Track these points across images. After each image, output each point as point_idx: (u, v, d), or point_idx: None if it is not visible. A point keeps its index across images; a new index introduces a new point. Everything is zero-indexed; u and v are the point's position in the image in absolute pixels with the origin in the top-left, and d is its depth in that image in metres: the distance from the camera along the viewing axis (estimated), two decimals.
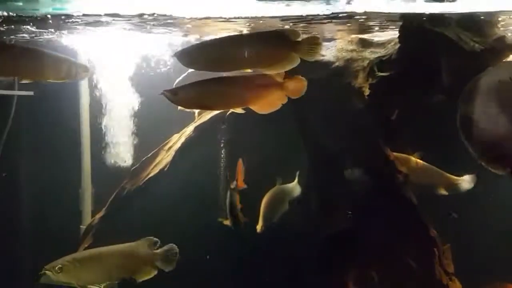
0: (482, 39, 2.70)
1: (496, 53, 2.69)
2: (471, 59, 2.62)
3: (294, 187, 3.68)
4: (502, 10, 2.81)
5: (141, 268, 2.85)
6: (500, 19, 2.85)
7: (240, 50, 2.75)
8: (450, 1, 2.52)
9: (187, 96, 2.74)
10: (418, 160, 3.37)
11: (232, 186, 3.34)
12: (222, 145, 3.86)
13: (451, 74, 2.68)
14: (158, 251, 2.88)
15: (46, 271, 2.72)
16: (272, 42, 2.76)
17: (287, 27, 3.16)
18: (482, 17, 2.78)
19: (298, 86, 2.76)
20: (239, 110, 2.85)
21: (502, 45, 2.70)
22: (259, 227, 3.50)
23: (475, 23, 2.75)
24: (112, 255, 2.86)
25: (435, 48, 2.68)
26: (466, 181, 3.33)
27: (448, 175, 3.36)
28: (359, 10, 2.80)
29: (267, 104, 2.77)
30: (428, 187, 3.31)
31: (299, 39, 2.72)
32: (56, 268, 2.71)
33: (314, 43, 2.75)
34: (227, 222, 3.35)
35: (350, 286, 3.20)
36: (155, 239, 2.90)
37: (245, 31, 3.24)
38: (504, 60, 2.87)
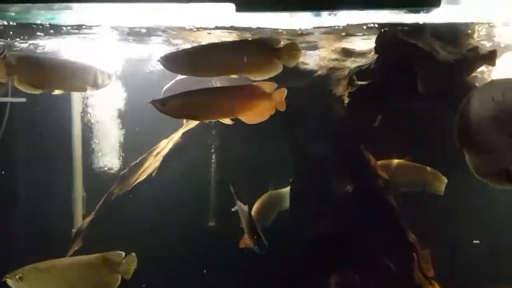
0: (455, 49, 2.78)
1: (469, 63, 2.77)
2: (444, 69, 2.70)
3: (286, 193, 3.65)
4: (477, 22, 2.90)
5: (104, 280, 2.79)
6: (475, 30, 2.93)
7: (223, 57, 2.84)
8: (425, 12, 2.59)
9: (175, 106, 2.78)
10: (401, 161, 3.41)
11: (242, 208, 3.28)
12: (212, 151, 3.95)
13: (425, 83, 2.75)
14: (123, 262, 2.81)
15: (7, 279, 2.67)
16: (254, 49, 2.85)
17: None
18: (457, 28, 2.86)
19: (281, 97, 2.78)
20: (227, 121, 2.87)
21: (475, 55, 2.78)
22: None
23: (449, 34, 2.83)
24: (75, 266, 2.82)
25: (409, 58, 2.76)
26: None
27: (435, 170, 3.37)
28: (342, 22, 2.90)
29: (256, 114, 2.82)
30: (417, 185, 3.35)
31: (280, 45, 2.82)
32: (17, 276, 2.67)
33: (294, 49, 2.85)
34: (245, 243, 3.31)
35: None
36: (121, 252, 2.82)
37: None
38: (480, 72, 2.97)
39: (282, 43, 2.83)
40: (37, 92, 3.13)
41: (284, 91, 2.80)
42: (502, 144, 2.37)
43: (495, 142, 2.39)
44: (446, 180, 3.36)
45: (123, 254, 2.83)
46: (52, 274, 2.75)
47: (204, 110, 2.86)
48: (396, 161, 3.42)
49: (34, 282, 2.71)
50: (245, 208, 3.26)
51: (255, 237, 3.13)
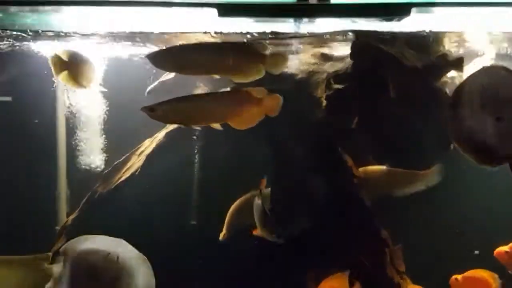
0: (425, 56, 2.95)
1: (437, 69, 2.94)
2: (412, 75, 2.86)
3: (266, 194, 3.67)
4: (446, 30, 3.08)
5: (30, 282, 2.75)
6: (445, 37, 3.10)
7: (209, 56, 2.93)
8: (397, 21, 2.75)
9: (165, 112, 2.84)
10: (376, 166, 3.56)
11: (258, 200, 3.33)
12: (195, 150, 4.04)
13: (396, 88, 2.92)
14: (51, 266, 2.77)
15: None
16: (241, 51, 2.95)
17: None
18: (428, 36, 3.03)
19: (276, 103, 2.90)
20: (216, 126, 2.94)
21: (443, 62, 2.95)
22: (222, 235, 3.63)
23: (420, 41, 3.00)
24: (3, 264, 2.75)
25: (381, 65, 2.92)
26: (434, 172, 3.44)
27: (412, 171, 3.46)
28: (321, 29, 3.04)
29: (245, 120, 2.90)
30: (396, 188, 3.46)
31: (266, 52, 2.92)
32: None
33: (280, 59, 2.97)
34: (258, 233, 3.32)
35: (310, 285, 3.40)
36: (49, 253, 2.79)
37: None
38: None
39: (269, 49, 2.94)
40: (83, 88, 3.23)
41: (277, 98, 2.89)
42: (492, 129, 2.47)
43: (486, 129, 2.49)
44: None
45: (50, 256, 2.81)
46: None
47: (194, 116, 2.92)
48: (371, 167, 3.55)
49: None
50: (260, 201, 3.30)
51: (272, 227, 3.18)
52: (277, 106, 2.90)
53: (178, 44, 3.04)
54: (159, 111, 2.82)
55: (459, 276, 3.30)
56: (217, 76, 3.26)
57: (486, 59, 3.55)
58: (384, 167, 3.53)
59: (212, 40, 3.07)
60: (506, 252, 3.32)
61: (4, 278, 2.72)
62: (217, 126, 2.94)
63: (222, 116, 2.88)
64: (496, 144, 2.48)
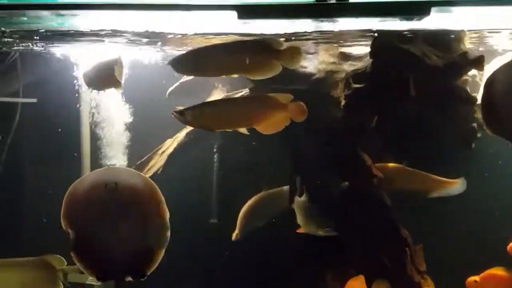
0: (446, 54, 2.93)
1: (458, 67, 2.93)
2: (434, 73, 2.85)
3: (279, 193, 3.76)
4: (467, 29, 3.06)
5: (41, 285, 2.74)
6: (465, 36, 3.08)
7: (227, 57, 3.00)
8: (418, 20, 2.74)
9: (194, 116, 2.99)
10: (403, 166, 3.52)
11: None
12: (214, 150, 4.11)
13: (416, 86, 2.91)
14: (64, 268, 2.80)
15: None
16: (256, 49, 2.99)
17: None
18: (448, 34, 3.01)
19: (301, 108, 2.98)
20: (243, 131, 3.05)
21: (464, 60, 2.93)
22: (234, 235, 3.68)
23: (440, 40, 2.98)
24: (9, 268, 2.74)
25: (402, 63, 2.92)
26: (459, 184, 3.43)
27: (439, 177, 3.44)
28: (338, 28, 3.05)
29: (271, 125, 2.99)
30: (419, 192, 3.45)
31: (282, 48, 2.96)
32: None
33: (295, 53, 2.99)
34: (304, 230, 3.35)
35: (330, 283, 3.42)
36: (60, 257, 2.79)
37: None
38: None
39: (283, 45, 2.98)
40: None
41: (302, 107, 2.95)
42: None
43: None
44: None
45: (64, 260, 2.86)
46: None
47: (221, 120, 3.05)
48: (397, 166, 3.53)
49: None
50: (303, 198, 3.37)
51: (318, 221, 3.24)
52: (303, 112, 2.98)
53: (196, 48, 3.11)
54: (188, 116, 2.97)
55: (477, 277, 3.24)
56: (235, 76, 3.32)
57: (507, 57, 3.51)
58: (408, 169, 3.51)
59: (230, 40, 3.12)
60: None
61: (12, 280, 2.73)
62: (243, 130, 3.04)
63: (249, 121, 2.97)
64: None
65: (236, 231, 3.72)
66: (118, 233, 2.69)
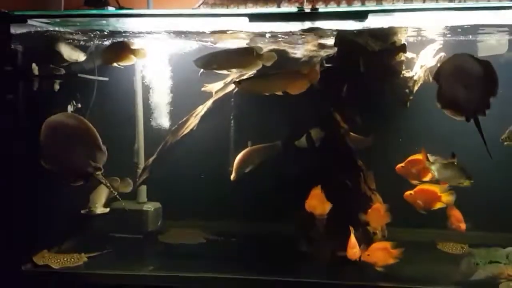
0: (382, 43, 4.51)
1: (389, 51, 4.50)
2: (373, 57, 4.44)
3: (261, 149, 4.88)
4: (398, 26, 4.63)
5: None
6: (398, 31, 4.66)
7: (230, 58, 4.70)
8: (363, 21, 4.31)
9: (247, 85, 4.49)
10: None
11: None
12: (232, 115, 5.35)
13: (364, 66, 4.49)
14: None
15: None
16: (248, 53, 4.63)
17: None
18: (385, 30, 4.59)
19: (315, 74, 4.34)
20: (279, 93, 4.37)
21: (393, 47, 4.51)
22: (232, 177, 4.73)
23: (380, 34, 4.56)
24: None
25: (354, 50, 4.51)
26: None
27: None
28: (321, 26, 4.60)
29: (297, 87, 4.33)
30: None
31: (262, 52, 4.60)
32: None
33: (270, 55, 4.62)
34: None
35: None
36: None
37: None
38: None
39: (263, 50, 4.62)
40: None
41: (317, 72, 4.34)
42: (462, 93, 3.79)
43: (458, 93, 3.80)
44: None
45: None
46: None
47: (265, 87, 4.44)
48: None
49: None
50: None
51: None
52: (316, 77, 4.30)
53: (209, 53, 4.72)
54: (244, 85, 4.45)
55: (412, 191, 4.27)
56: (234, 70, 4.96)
57: (436, 45, 5.06)
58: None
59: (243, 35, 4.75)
60: (402, 167, 4.30)
61: None
62: (279, 93, 4.36)
63: (284, 86, 4.31)
64: (464, 102, 3.83)
65: (233, 174, 4.75)
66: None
